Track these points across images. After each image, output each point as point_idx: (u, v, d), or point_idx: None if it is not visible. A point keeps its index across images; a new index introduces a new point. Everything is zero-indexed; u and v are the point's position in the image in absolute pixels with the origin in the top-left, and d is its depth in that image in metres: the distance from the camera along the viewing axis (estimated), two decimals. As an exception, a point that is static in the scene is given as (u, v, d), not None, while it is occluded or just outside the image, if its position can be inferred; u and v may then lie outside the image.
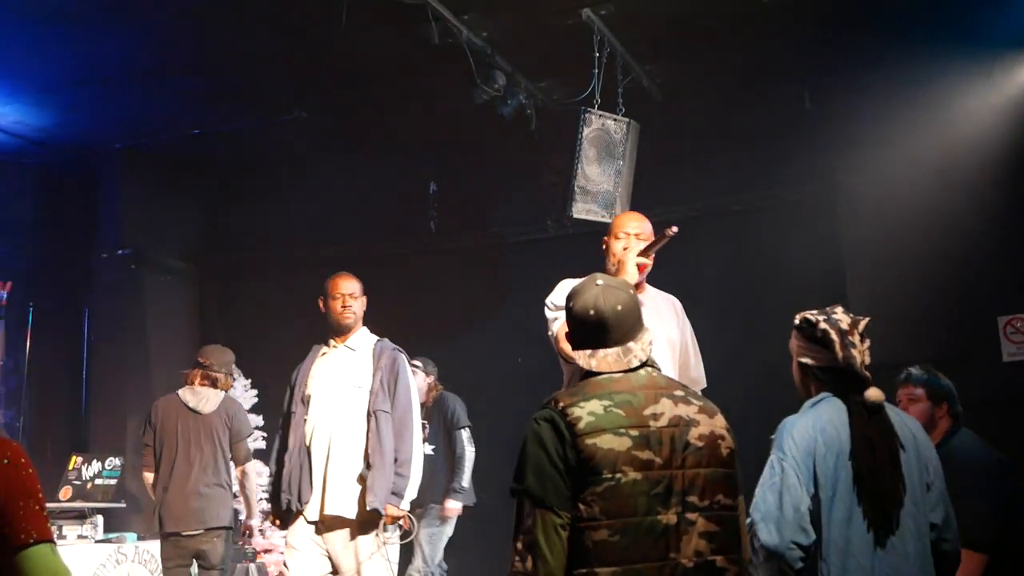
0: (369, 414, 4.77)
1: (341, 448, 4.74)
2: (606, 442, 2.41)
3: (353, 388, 4.83)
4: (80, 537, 6.06)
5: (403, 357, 4.96)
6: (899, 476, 2.89)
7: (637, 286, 3.99)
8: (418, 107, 6.91)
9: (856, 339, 3.00)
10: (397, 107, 6.94)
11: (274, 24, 5.95)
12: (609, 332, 2.58)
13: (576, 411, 2.44)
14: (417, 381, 6.53)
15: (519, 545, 2.42)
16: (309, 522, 4.68)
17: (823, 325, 3.00)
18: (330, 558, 4.69)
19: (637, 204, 6.20)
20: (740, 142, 6.83)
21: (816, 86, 6.72)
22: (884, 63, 6.20)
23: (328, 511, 4.65)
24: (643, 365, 2.59)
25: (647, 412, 2.48)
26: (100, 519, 6.22)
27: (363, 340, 4.98)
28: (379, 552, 4.74)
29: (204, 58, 6.41)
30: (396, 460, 4.77)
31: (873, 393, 2.96)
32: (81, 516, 6.14)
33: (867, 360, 2.99)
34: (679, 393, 2.57)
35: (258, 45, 6.22)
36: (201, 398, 5.83)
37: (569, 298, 2.65)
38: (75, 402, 8.11)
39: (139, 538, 6.30)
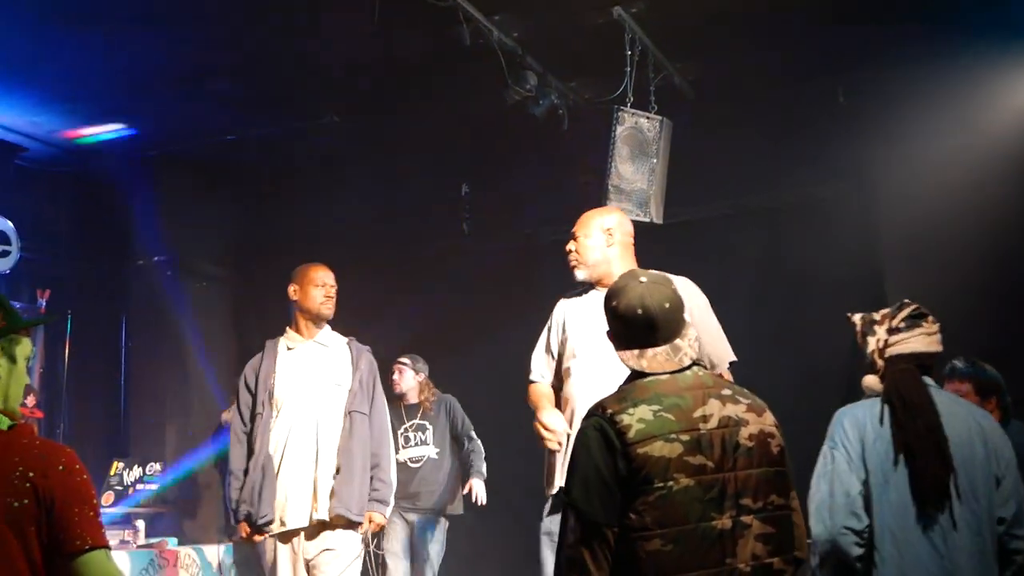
0: (345, 414, 4.59)
1: (330, 448, 4.53)
2: (657, 449, 2.35)
3: (334, 386, 4.65)
4: (122, 542, 6.12)
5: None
6: (946, 464, 2.85)
7: (599, 282, 4.03)
8: (450, 109, 6.92)
9: (881, 328, 3.02)
10: (429, 109, 6.94)
11: (307, 29, 5.97)
12: (657, 331, 2.52)
13: (625, 418, 2.38)
14: (405, 380, 6.48)
15: (563, 559, 2.38)
16: (285, 531, 4.45)
17: (854, 319, 3.08)
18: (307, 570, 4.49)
19: (671, 202, 6.19)
20: (773, 138, 6.78)
21: (850, 80, 6.66)
22: (919, 56, 6.13)
23: (320, 515, 4.45)
24: (691, 364, 2.53)
25: (696, 415, 2.42)
26: (142, 524, 6.28)
27: (333, 337, 4.79)
28: (359, 560, 4.59)
29: (238, 64, 6.45)
30: (378, 465, 4.62)
31: (867, 380, 3.02)
32: (123, 521, 6.19)
33: (925, 348, 2.98)
34: (727, 392, 2.52)
35: (292, 50, 6.25)
36: None
37: (611, 297, 2.60)
38: (114, 408, 8.18)
39: (180, 542, 6.35)
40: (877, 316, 3.06)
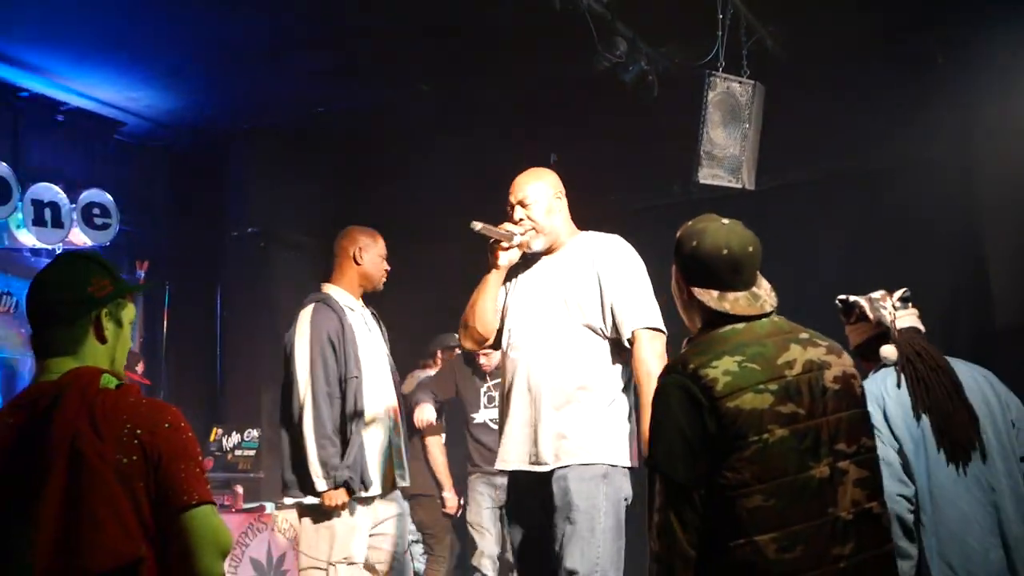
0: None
1: (397, 415, 4.62)
2: (748, 402, 2.26)
3: (387, 356, 4.70)
4: (222, 507, 6.26)
5: None
6: (972, 417, 2.96)
7: (548, 251, 3.90)
8: (539, 76, 6.88)
9: (888, 304, 3.18)
10: (518, 77, 6.92)
11: (395, -1, 5.99)
12: (740, 273, 2.42)
13: (710, 372, 2.29)
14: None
15: (652, 523, 2.32)
16: (369, 496, 4.43)
17: (852, 299, 3.22)
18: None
19: (764, 168, 6.09)
20: (869, 101, 6.62)
21: (949, 41, 6.46)
22: (1022, 13, 5.92)
23: (403, 483, 4.58)
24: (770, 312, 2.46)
25: (780, 362, 2.34)
26: (240, 489, 6.42)
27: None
28: None
29: (327, 35, 6.49)
30: None
31: (885, 350, 3.09)
32: (223, 486, 6.34)
33: (917, 325, 3.19)
34: (804, 336, 2.43)
35: (379, 20, 6.27)
36: None
37: (689, 237, 2.48)
38: (211, 376, 8.36)
39: (276, 507, 6.48)
40: (876, 295, 3.22)
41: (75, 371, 2.24)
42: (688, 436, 2.27)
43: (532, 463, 3.71)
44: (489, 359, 6.31)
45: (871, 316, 3.16)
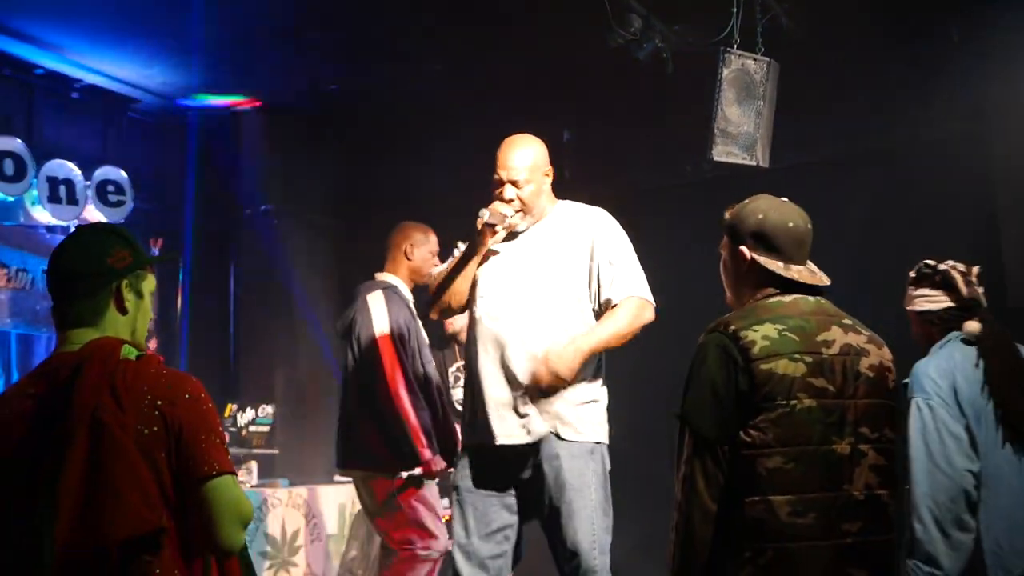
0: None
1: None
2: (781, 367, 2.34)
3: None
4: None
5: None
6: None
7: (517, 234, 3.82)
8: (553, 54, 6.87)
9: (974, 279, 3.17)
10: (531, 55, 6.90)
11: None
12: (801, 248, 2.53)
13: (750, 335, 2.37)
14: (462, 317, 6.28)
15: (679, 474, 2.40)
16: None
17: (943, 267, 3.16)
18: None
19: (778, 145, 6.07)
20: (884, 80, 6.59)
21: (965, 18, 6.42)
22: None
23: None
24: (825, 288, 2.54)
25: (819, 339, 2.41)
26: (255, 465, 6.46)
27: None
28: None
29: (340, 14, 6.49)
30: None
31: (971, 325, 3.09)
32: (237, 462, 6.37)
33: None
34: (848, 322, 2.51)
35: (393, -1, 6.28)
36: None
37: (752, 211, 2.57)
38: (224, 354, 8.41)
39: (290, 484, 6.52)
40: (961, 267, 3.19)
41: (96, 342, 2.26)
42: (719, 393, 2.36)
43: (523, 436, 3.66)
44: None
45: (963, 289, 3.14)
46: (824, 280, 2.54)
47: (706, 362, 2.39)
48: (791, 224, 2.52)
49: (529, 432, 3.65)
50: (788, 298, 2.49)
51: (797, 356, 2.36)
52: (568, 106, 7.62)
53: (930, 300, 3.19)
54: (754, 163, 5.84)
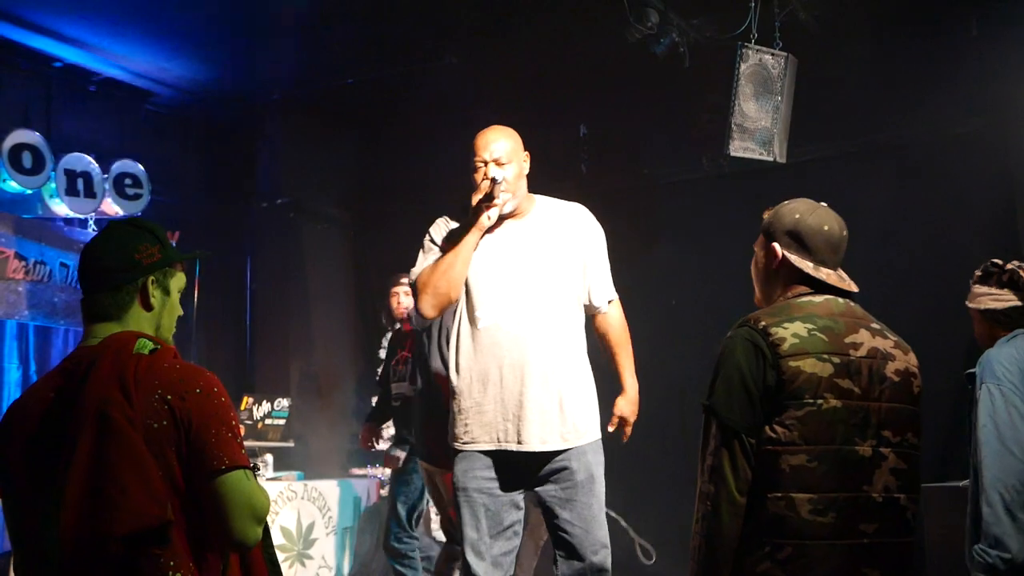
0: None
1: None
2: (809, 366, 2.35)
3: None
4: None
5: None
6: None
7: (512, 214, 3.72)
8: (570, 48, 6.86)
9: None
10: (548, 49, 6.89)
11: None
12: (835, 252, 2.55)
13: (780, 331, 2.39)
14: (408, 301, 5.87)
15: (705, 465, 2.41)
16: None
17: (1010, 266, 3.17)
18: None
19: (795, 140, 6.05)
20: (901, 74, 6.54)
21: (983, 11, 6.37)
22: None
23: None
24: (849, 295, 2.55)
25: (847, 340, 2.43)
26: (270, 458, 6.48)
27: None
28: None
29: (358, 8, 6.49)
30: None
31: None
32: (252, 455, 6.39)
33: None
34: (876, 326, 2.52)
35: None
36: None
37: (791, 211, 2.59)
38: (240, 346, 8.44)
39: (306, 477, 6.54)
40: None
41: (113, 336, 2.26)
42: (748, 386, 2.37)
43: (558, 443, 3.62)
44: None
45: None
46: (852, 287, 2.56)
47: (735, 355, 2.41)
48: (826, 227, 2.54)
49: (564, 439, 3.63)
50: (819, 298, 2.51)
51: (825, 356, 2.38)
52: (585, 100, 7.61)
53: (996, 299, 3.21)
54: (771, 158, 5.82)
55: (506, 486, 3.66)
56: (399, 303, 6.06)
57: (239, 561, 2.26)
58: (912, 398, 2.49)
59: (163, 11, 6.51)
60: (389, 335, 6.31)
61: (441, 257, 3.67)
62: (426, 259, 3.73)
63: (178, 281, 2.41)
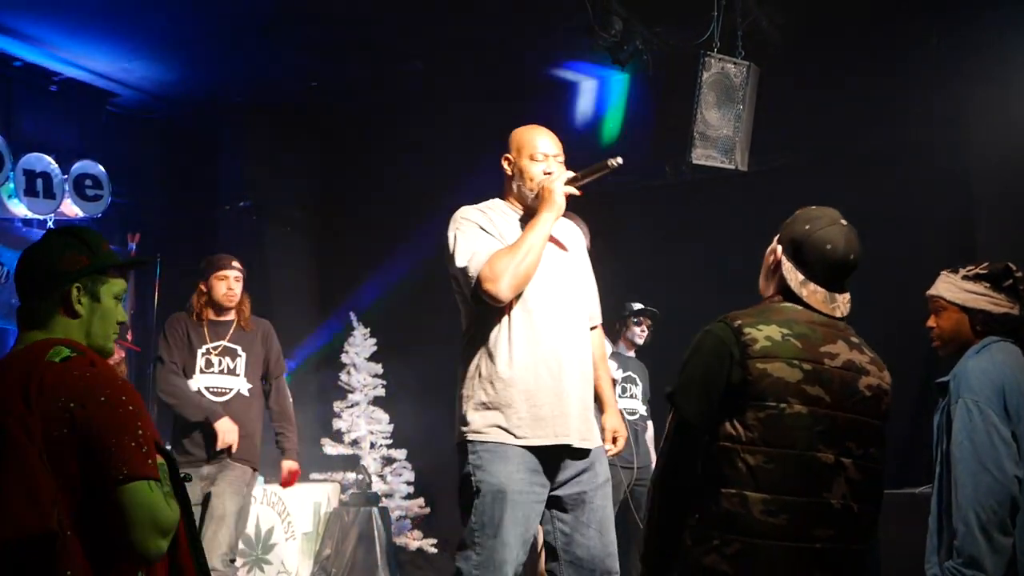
0: None
1: None
2: (777, 369, 2.36)
3: None
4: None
5: None
6: None
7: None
8: (534, 55, 6.88)
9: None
10: (512, 55, 6.91)
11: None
12: (831, 273, 2.50)
13: (753, 332, 2.39)
14: (240, 286, 5.49)
15: (662, 448, 2.45)
16: None
17: (1020, 274, 3.09)
18: None
19: (757, 148, 6.10)
20: (863, 83, 6.60)
21: (944, 23, 6.45)
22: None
23: None
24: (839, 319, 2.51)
25: (823, 349, 2.42)
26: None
27: None
28: None
29: (322, 10, 6.47)
30: None
31: None
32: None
33: None
34: (855, 340, 2.52)
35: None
36: None
37: (803, 220, 2.55)
38: (201, 349, 8.37)
39: (265, 481, 6.50)
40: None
41: (33, 344, 2.24)
42: (709, 382, 2.39)
43: (597, 440, 3.52)
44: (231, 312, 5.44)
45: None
46: (836, 313, 2.50)
47: (702, 349, 2.42)
48: (829, 247, 2.47)
49: (594, 439, 3.52)
50: (801, 307, 2.49)
51: (795, 362, 2.37)
52: (548, 106, 7.62)
53: (992, 302, 3.10)
54: (733, 167, 5.87)
55: (543, 487, 3.42)
56: (229, 288, 5.41)
57: (166, 571, 2.22)
58: (879, 415, 2.49)
59: (125, 12, 6.47)
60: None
61: (519, 240, 3.42)
62: (476, 244, 3.44)
63: (111, 287, 2.36)
